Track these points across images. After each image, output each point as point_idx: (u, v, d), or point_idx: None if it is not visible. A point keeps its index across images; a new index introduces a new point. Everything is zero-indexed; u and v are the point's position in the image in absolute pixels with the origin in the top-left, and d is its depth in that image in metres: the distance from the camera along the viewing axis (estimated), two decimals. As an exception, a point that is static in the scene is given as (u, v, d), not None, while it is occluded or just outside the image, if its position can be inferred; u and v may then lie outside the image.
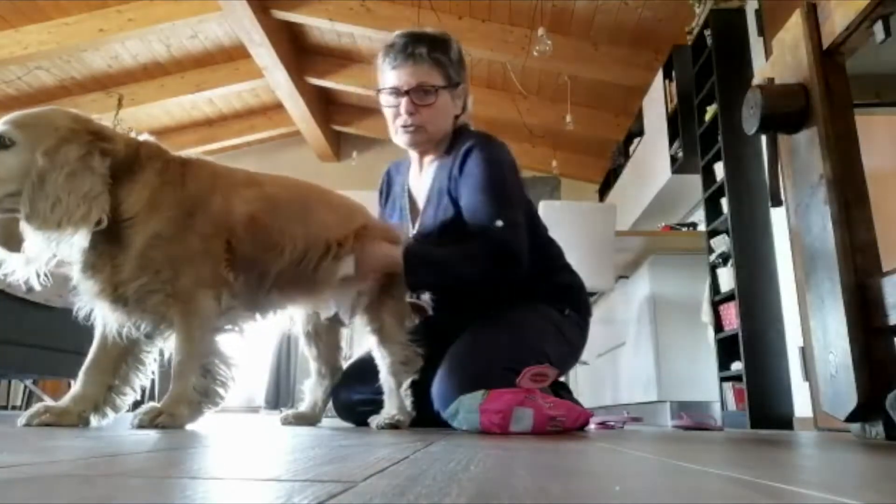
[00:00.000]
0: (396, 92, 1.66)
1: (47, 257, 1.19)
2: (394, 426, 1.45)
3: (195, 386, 1.23)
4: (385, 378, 1.53)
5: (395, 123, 1.70)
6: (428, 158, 1.78)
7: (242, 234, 1.33)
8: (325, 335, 1.70)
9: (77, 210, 1.14)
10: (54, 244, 1.16)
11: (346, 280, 1.49)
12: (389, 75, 1.68)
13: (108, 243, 1.22)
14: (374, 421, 1.49)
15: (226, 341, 1.29)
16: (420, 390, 1.52)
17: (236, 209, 1.34)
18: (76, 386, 1.29)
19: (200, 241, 1.27)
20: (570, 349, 1.78)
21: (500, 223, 1.55)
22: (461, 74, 1.74)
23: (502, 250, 1.55)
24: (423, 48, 1.64)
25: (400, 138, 1.72)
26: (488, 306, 1.68)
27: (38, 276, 1.22)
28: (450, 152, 1.71)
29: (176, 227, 1.25)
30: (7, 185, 1.16)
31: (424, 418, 1.52)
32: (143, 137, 1.34)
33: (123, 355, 1.33)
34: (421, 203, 1.76)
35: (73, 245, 1.18)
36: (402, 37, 1.68)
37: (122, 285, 1.23)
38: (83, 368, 1.30)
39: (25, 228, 1.16)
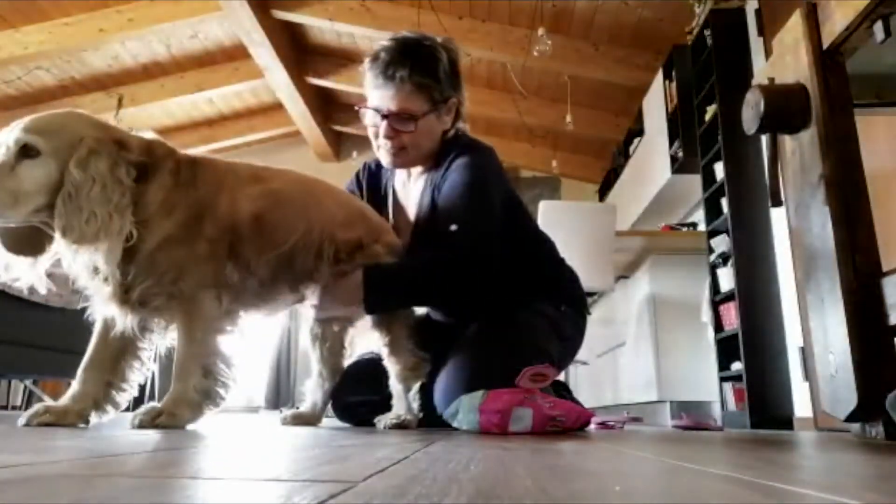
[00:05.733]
0: (377, 111, 1.60)
1: (76, 270, 1.18)
2: (402, 426, 1.46)
3: (196, 386, 1.23)
4: (394, 383, 1.54)
5: (376, 142, 1.66)
6: (416, 170, 1.74)
7: (246, 234, 1.33)
8: (331, 337, 1.70)
9: (112, 223, 1.12)
10: (92, 258, 1.14)
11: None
12: (371, 94, 1.61)
13: None
14: (382, 421, 1.49)
15: (227, 342, 1.29)
16: (422, 391, 1.53)
17: (242, 209, 1.33)
18: (75, 384, 1.28)
19: (207, 244, 1.27)
20: (567, 346, 1.78)
21: (455, 227, 1.51)
22: (451, 88, 1.64)
23: (460, 257, 1.52)
24: (406, 70, 1.54)
25: (381, 158, 1.69)
26: (487, 306, 1.68)
27: (42, 279, 1.21)
28: (439, 164, 1.66)
29: (186, 230, 1.25)
30: (35, 198, 1.12)
31: (425, 418, 1.52)
32: (150, 136, 1.31)
33: (121, 352, 1.32)
34: (411, 214, 1.73)
35: (110, 259, 1.15)
36: (387, 52, 1.57)
37: (131, 289, 1.22)
38: (81, 367, 1.30)
39: (60, 243, 1.14)
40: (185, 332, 1.25)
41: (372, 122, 1.63)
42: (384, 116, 1.59)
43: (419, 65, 1.56)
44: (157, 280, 1.22)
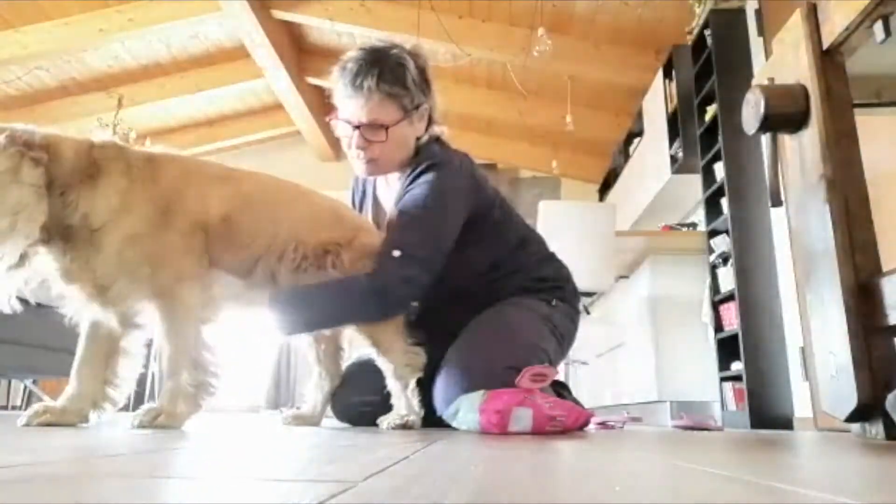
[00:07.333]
0: (348, 122, 1.60)
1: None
2: (405, 426, 1.45)
3: (188, 381, 1.23)
4: (391, 383, 1.53)
5: (349, 152, 1.65)
6: (394, 175, 1.73)
7: (214, 233, 1.32)
8: (326, 339, 1.70)
9: (1, 221, 1.11)
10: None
11: None
12: (341, 104, 1.60)
13: (80, 250, 1.21)
14: (385, 421, 1.49)
15: (211, 332, 1.29)
16: (421, 390, 1.52)
17: (212, 207, 1.32)
18: (71, 385, 1.29)
19: (179, 236, 1.26)
20: (561, 341, 1.78)
21: (397, 253, 1.49)
22: (421, 94, 1.62)
23: (383, 283, 1.48)
24: (373, 80, 1.53)
25: (355, 167, 1.69)
26: (480, 306, 1.68)
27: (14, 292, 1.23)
28: (413, 168, 1.65)
29: (151, 225, 1.24)
30: None
31: (425, 418, 1.52)
32: (102, 138, 1.29)
33: (113, 348, 1.33)
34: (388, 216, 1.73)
35: (4, 259, 1.15)
36: (354, 62, 1.57)
37: (105, 288, 1.22)
38: (75, 367, 1.30)
39: None
40: (169, 328, 1.25)
41: (344, 133, 1.63)
42: (355, 127, 1.58)
43: (387, 74, 1.56)
44: (130, 277, 1.22)
